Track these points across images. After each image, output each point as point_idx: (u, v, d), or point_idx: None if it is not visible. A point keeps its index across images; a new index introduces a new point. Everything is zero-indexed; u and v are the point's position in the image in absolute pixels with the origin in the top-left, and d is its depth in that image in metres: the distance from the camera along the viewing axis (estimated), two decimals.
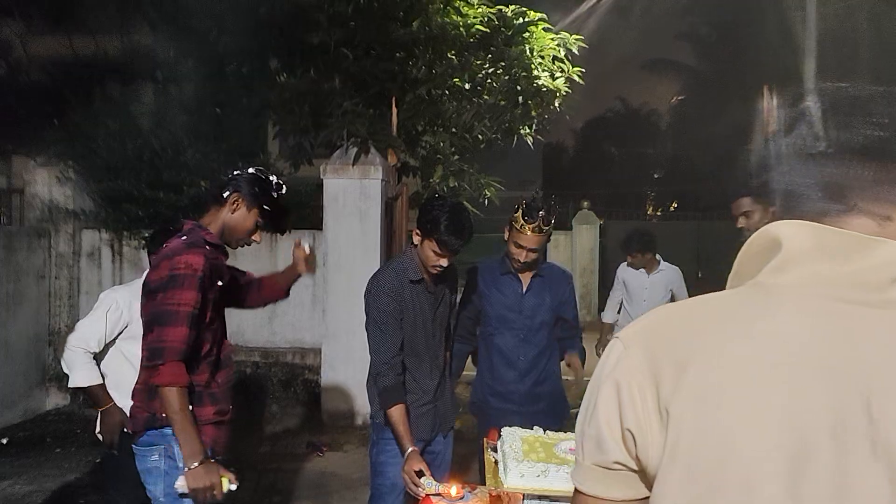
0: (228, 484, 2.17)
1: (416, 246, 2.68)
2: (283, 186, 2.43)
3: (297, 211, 6.91)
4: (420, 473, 2.46)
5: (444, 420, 2.84)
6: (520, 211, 2.86)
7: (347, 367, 6.23)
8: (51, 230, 6.72)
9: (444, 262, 2.64)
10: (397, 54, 7.02)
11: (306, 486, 4.73)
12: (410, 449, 2.51)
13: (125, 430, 2.83)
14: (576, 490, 0.91)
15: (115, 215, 6.62)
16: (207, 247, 2.28)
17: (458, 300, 3.03)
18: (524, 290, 3.04)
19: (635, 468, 0.85)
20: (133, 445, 2.32)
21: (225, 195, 2.36)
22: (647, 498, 0.85)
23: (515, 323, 3.01)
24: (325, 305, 6.35)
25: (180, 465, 2.15)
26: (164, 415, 2.17)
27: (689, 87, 22.41)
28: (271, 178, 2.44)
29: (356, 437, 5.87)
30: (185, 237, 2.30)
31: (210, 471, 2.11)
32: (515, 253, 2.92)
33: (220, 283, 2.32)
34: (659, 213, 22.98)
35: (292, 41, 7.24)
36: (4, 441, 5.67)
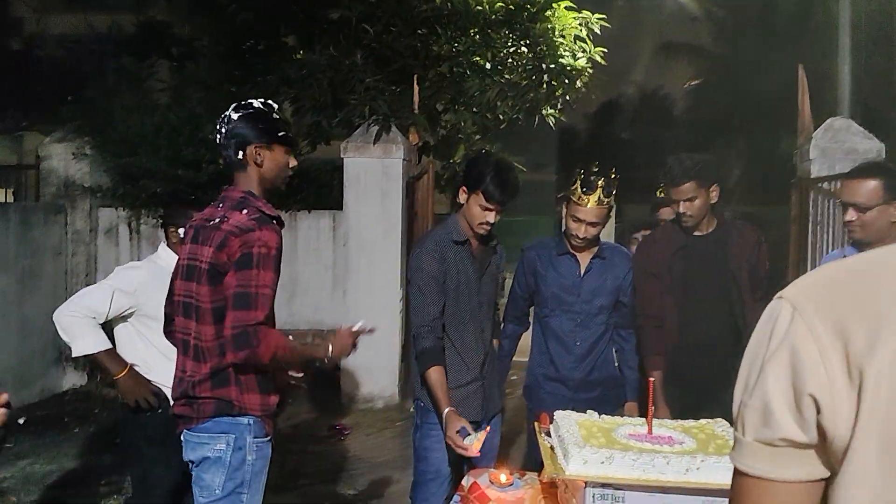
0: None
1: (461, 206, 2.62)
2: (272, 104, 2.24)
3: (316, 191, 6.85)
4: (464, 433, 2.38)
5: (491, 401, 2.73)
6: (578, 181, 2.72)
7: (368, 349, 6.04)
8: (67, 207, 6.63)
9: (490, 218, 2.56)
10: (419, 30, 6.86)
11: (332, 470, 4.65)
12: (447, 410, 2.45)
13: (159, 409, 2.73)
14: (736, 472, 0.79)
15: (132, 192, 6.51)
16: (274, 220, 2.14)
17: (505, 280, 2.91)
18: (582, 271, 2.89)
19: (808, 442, 0.73)
20: (188, 431, 2.15)
21: (241, 155, 2.16)
22: (826, 479, 0.73)
23: (573, 306, 2.86)
24: (346, 286, 6.25)
25: (249, 458, 2.08)
26: (241, 403, 2.08)
27: (706, 71, 22.10)
28: (256, 105, 2.20)
29: (377, 420, 5.79)
30: (244, 210, 2.10)
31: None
32: (573, 228, 2.78)
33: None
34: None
35: (311, 16, 7.09)
36: (22, 421, 5.61)
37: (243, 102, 2.20)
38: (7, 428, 1.66)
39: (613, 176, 2.74)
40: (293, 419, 5.69)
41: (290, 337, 2.15)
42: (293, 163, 2.25)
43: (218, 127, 2.18)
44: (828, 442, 0.73)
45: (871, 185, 2.48)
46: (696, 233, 2.89)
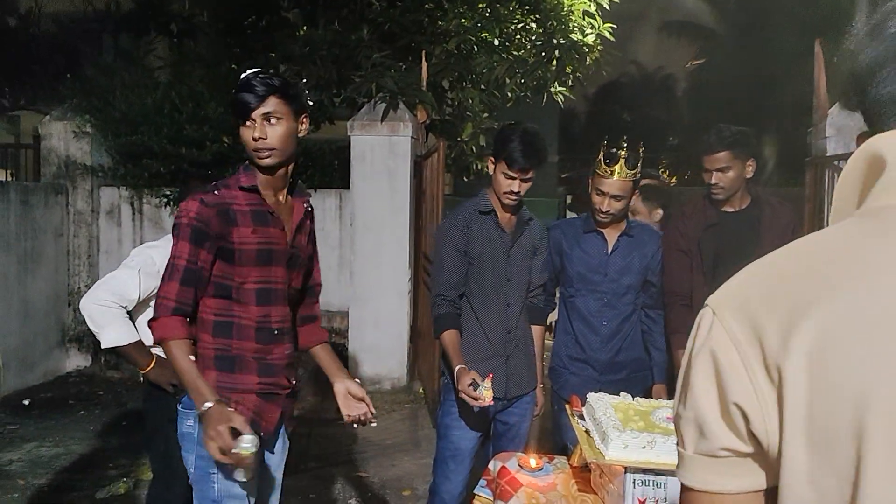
0: (244, 444, 1.80)
1: (491, 179, 2.60)
2: (251, 72, 2.00)
3: (322, 170, 6.73)
4: (475, 386, 2.33)
5: (518, 381, 2.65)
6: (601, 153, 2.64)
7: (376, 330, 6.07)
8: (68, 187, 6.52)
9: (515, 187, 2.52)
10: (426, 5, 6.72)
11: (340, 452, 4.60)
12: (458, 367, 2.42)
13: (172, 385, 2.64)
14: (683, 488, 0.73)
15: (134, 171, 6.40)
16: (221, 191, 1.97)
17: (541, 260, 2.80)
18: (609, 249, 2.80)
19: (748, 451, 0.68)
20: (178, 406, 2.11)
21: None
22: (774, 489, 0.67)
23: (600, 285, 2.77)
24: (353, 268, 6.16)
25: None
26: None
27: (708, 51, 21.90)
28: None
29: (385, 402, 5.73)
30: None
31: (222, 414, 1.82)
32: (597, 202, 2.69)
33: (252, 229, 1.96)
34: (674, 181, 22.66)
35: None
36: (27, 402, 5.54)
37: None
38: None
39: (639, 149, 2.67)
40: (300, 402, 5.64)
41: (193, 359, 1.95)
42: (251, 133, 1.94)
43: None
44: (764, 450, 0.67)
45: None
46: (728, 208, 2.80)
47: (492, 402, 2.36)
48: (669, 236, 2.87)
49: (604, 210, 2.68)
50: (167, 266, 1.95)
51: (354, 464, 4.39)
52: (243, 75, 2.00)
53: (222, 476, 1.94)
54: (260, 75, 1.97)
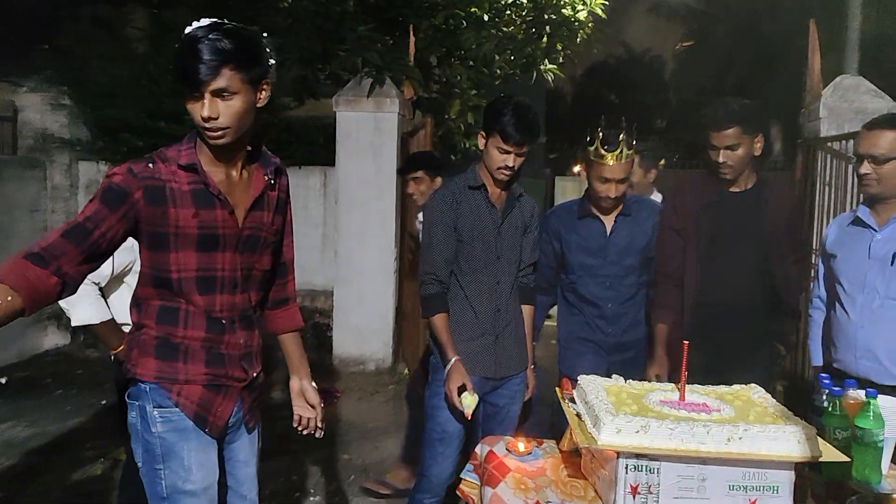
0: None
1: (482, 154, 2.49)
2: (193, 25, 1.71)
3: (306, 147, 6.58)
4: (462, 389, 2.34)
5: (508, 361, 2.56)
6: (597, 140, 2.55)
7: (360, 310, 5.98)
8: (45, 161, 6.34)
9: (510, 162, 2.42)
10: None
11: (323, 435, 4.51)
12: (453, 360, 2.38)
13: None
14: None
15: (112, 145, 6.23)
16: (157, 165, 1.73)
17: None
18: (608, 232, 2.74)
19: None
20: None
21: None
22: None
23: (600, 269, 2.71)
24: (337, 247, 6.05)
25: (153, 429, 1.80)
26: (136, 367, 1.81)
27: (699, 33, 21.77)
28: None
29: (369, 384, 5.65)
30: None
31: None
32: (602, 190, 2.62)
33: (193, 212, 1.75)
34: (662, 163, 22.63)
35: None
36: (2, 381, 5.41)
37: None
38: None
39: (633, 127, 2.59)
40: (282, 383, 5.55)
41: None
42: (199, 111, 1.70)
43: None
44: None
45: (890, 137, 2.32)
46: (733, 189, 2.67)
47: (469, 417, 2.36)
48: (664, 213, 2.78)
49: (612, 196, 2.63)
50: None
51: (337, 446, 4.32)
52: (188, 30, 1.69)
53: (170, 472, 1.80)
54: (210, 36, 1.65)
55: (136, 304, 1.86)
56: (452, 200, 2.49)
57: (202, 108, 1.68)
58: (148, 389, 1.80)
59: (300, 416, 2.06)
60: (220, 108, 1.69)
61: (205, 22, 1.70)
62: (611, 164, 2.56)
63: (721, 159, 2.57)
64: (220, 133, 1.71)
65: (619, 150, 2.54)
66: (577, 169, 14.43)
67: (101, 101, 6.21)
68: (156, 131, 6.04)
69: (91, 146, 6.36)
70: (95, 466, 3.87)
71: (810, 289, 2.76)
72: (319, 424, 2.07)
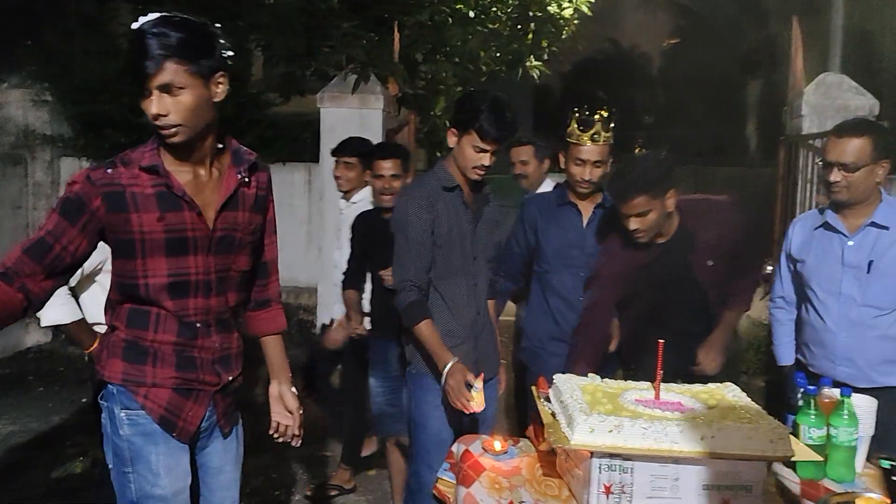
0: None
1: (449, 150, 2.40)
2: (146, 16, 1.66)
3: (291, 143, 6.55)
4: (468, 386, 2.23)
5: (488, 363, 2.54)
6: (573, 121, 2.54)
7: (344, 308, 5.94)
8: (27, 157, 6.28)
9: (486, 161, 2.33)
10: None
11: (305, 431, 4.49)
12: (452, 361, 2.27)
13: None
14: None
15: (95, 142, 6.19)
16: (118, 169, 1.68)
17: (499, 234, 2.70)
18: (585, 222, 2.71)
19: None
20: None
21: None
22: None
23: (576, 260, 2.68)
24: (322, 243, 6.03)
25: (121, 432, 1.77)
26: (104, 369, 1.79)
27: (684, 29, 21.83)
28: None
29: None
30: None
31: None
32: (577, 173, 2.59)
33: (158, 216, 1.70)
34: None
35: None
36: None
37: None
38: None
39: (611, 112, 2.57)
40: (266, 378, 5.52)
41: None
42: (150, 107, 1.65)
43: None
44: None
45: (859, 144, 2.30)
46: (659, 239, 2.49)
47: (482, 408, 2.25)
48: (599, 274, 2.61)
49: (586, 179, 2.60)
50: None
51: (319, 443, 4.30)
52: (135, 25, 1.63)
53: (137, 476, 1.78)
54: (153, 30, 1.59)
55: (109, 306, 1.84)
56: (428, 203, 2.37)
57: (150, 105, 1.63)
58: (115, 392, 1.78)
59: (277, 424, 2.02)
60: (168, 104, 1.63)
61: (152, 16, 1.65)
62: (587, 145, 2.54)
63: (632, 227, 2.37)
64: (173, 130, 1.66)
65: (594, 132, 2.52)
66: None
67: (83, 96, 6.16)
68: (138, 127, 5.98)
69: (73, 142, 6.31)
70: (75, 464, 3.84)
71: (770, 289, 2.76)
72: (297, 432, 2.03)
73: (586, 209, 2.72)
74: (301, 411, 2.04)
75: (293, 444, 2.04)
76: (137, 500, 1.79)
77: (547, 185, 3.47)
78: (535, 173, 3.60)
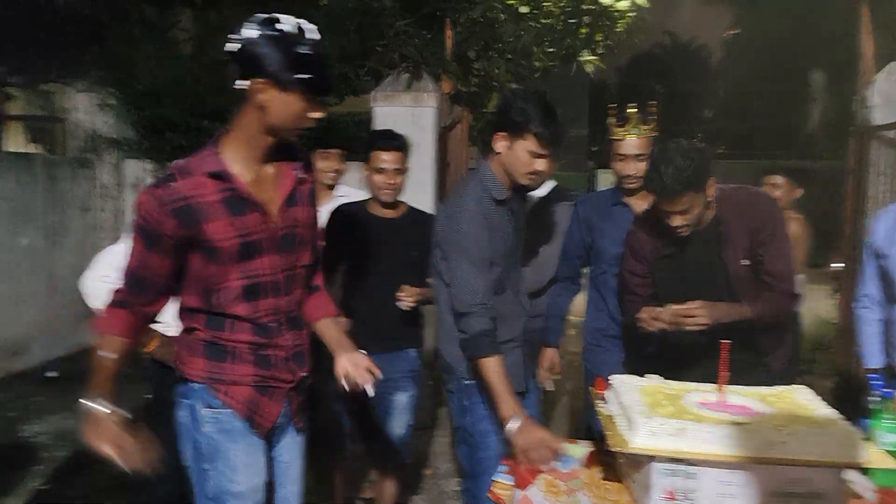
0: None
1: (497, 155, 2.17)
2: (306, 30, 1.69)
3: (346, 144, 6.59)
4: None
5: (531, 366, 2.48)
6: (612, 117, 2.51)
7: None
8: (94, 160, 6.51)
9: (542, 166, 2.14)
10: None
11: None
12: (520, 421, 1.98)
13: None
14: None
15: (157, 144, 6.36)
16: (180, 181, 1.68)
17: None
18: None
19: None
20: None
21: (244, 85, 1.67)
22: None
23: None
24: None
25: (203, 429, 1.80)
26: (185, 366, 1.83)
27: (744, 18, 21.20)
28: (285, 28, 1.66)
29: None
30: (179, 161, 1.75)
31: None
32: (620, 168, 2.55)
33: (228, 221, 1.72)
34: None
35: None
36: (53, 375, 5.58)
37: (269, 16, 1.67)
38: None
39: (650, 105, 2.53)
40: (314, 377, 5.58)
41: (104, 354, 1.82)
42: (317, 113, 1.73)
43: (229, 38, 1.69)
44: None
45: None
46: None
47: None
48: (625, 259, 2.47)
49: (629, 174, 2.54)
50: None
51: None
52: (313, 36, 1.68)
53: (216, 472, 1.81)
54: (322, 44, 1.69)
55: (183, 310, 1.86)
56: (484, 219, 2.16)
57: (314, 114, 1.74)
58: (197, 389, 1.82)
59: (346, 371, 1.88)
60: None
61: (307, 25, 1.71)
62: (625, 139, 2.51)
63: (674, 223, 2.20)
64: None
65: (631, 125, 2.49)
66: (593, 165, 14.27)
67: (146, 101, 6.34)
68: (199, 129, 6.14)
69: (137, 145, 6.51)
70: None
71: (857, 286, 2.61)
72: (377, 373, 1.89)
73: (640, 207, 2.63)
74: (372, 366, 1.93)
75: (370, 392, 1.89)
76: (215, 496, 1.82)
77: (547, 186, 3.30)
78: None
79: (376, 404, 2.76)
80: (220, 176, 1.72)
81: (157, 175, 1.75)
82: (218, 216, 1.71)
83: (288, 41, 1.66)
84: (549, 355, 2.81)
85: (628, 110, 2.51)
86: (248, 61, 1.65)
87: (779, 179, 3.70)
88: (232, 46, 1.67)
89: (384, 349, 2.56)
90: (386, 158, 2.80)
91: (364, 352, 1.96)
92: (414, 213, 2.92)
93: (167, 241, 1.71)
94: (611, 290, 2.66)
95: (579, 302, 2.96)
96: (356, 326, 2.60)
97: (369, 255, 2.71)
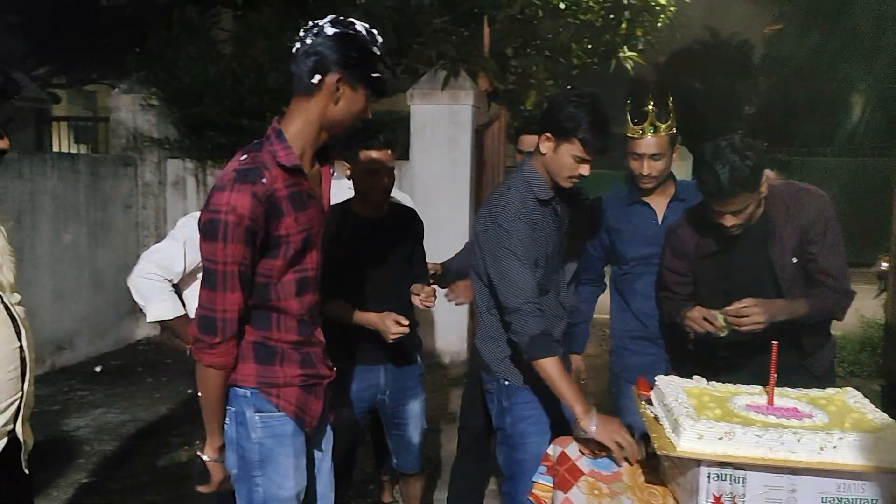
0: None
1: (541, 155, 2.14)
2: (375, 34, 1.75)
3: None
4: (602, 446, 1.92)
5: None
6: (627, 114, 2.39)
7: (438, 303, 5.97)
8: (136, 159, 6.63)
9: (585, 171, 2.11)
10: None
11: None
12: (593, 414, 1.94)
13: None
14: None
15: (198, 143, 6.46)
16: (265, 173, 1.67)
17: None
18: (660, 219, 2.55)
19: None
20: None
21: (316, 79, 1.68)
22: None
23: (655, 259, 2.48)
24: None
25: (252, 435, 1.78)
26: (235, 372, 1.78)
27: (787, 14, 20.70)
28: (359, 29, 1.71)
29: (443, 377, 5.66)
30: (244, 157, 1.70)
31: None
32: (635, 167, 2.44)
33: (294, 217, 1.72)
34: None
35: None
36: (98, 369, 5.71)
37: (343, 18, 1.73)
38: None
39: (668, 101, 2.39)
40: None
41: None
42: (368, 113, 1.79)
43: (302, 35, 1.70)
44: None
45: None
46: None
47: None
48: (665, 254, 2.41)
49: (645, 174, 2.43)
50: (214, 272, 1.66)
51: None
52: (375, 46, 1.71)
53: (266, 479, 1.80)
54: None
55: None
56: (529, 219, 2.14)
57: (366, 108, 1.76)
58: (249, 394, 1.79)
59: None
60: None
61: (373, 29, 1.76)
62: (641, 138, 2.39)
63: (728, 224, 2.11)
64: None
65: (647, 123, 2.37)
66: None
67: (187, 100, 6.44)
68: (239, 128, 6.21)
69: (179, 144, 6.61)
70: (180, 453, 4.01)
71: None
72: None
73: (659, 205, 2.55)
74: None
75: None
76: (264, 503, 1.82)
77: None
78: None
79: (391, 415, 2.77)
80: (297, 170, 1.72)
81: (240, 169, 1.67)
82: (288, 210, 1.71)
83: (365, 41, 1.71)
84: (575, 362, 2.76)
85: (646, 108, 2.38)
86: (325, 56, 1.67)
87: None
88: (309, 41, 1.68)
89: (393, 360, 2.68)
90: (380, 157, 2.61)
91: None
92: (394, 207, 2.80)
93: (260, 238, 1.68)
94: (633, 292, 2.60)
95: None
96: (359, 338, 2.54)
97: (359, 257, 2.58)
